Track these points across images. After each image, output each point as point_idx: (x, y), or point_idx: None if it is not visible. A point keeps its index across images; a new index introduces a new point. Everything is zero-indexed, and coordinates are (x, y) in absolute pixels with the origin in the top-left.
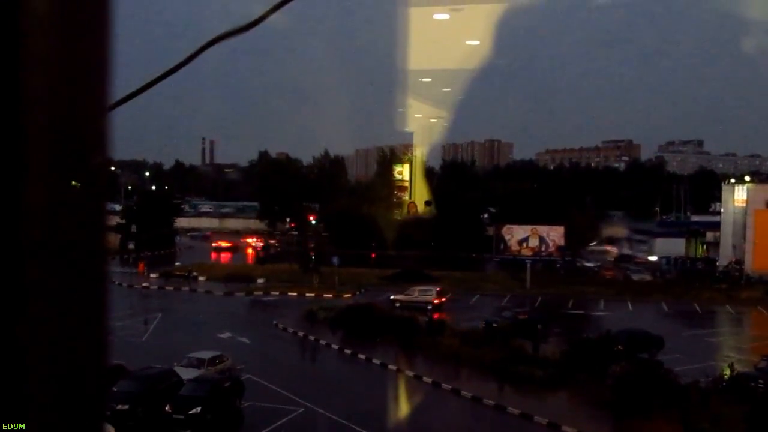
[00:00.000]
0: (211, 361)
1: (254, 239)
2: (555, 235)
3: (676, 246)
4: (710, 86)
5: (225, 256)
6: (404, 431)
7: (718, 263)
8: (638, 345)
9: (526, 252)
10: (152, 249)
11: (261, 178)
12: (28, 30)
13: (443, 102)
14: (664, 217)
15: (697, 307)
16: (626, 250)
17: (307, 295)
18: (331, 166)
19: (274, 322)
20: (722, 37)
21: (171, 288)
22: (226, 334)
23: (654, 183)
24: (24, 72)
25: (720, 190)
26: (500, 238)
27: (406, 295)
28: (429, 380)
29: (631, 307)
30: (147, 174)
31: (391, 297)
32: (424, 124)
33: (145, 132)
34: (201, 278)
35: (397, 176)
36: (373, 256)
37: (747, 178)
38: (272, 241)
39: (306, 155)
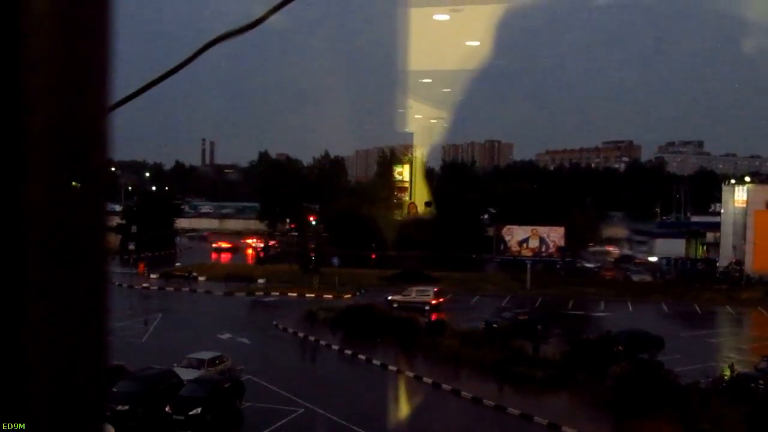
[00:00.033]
0: (211, 362)
1: (254, 240)
2: (555, 235)
3: (676, 247)
4: (710, 87)
5: (225, 257)
6: None
7: (718, 264)
8: (638, 346)
9: (526, 253)
10: (152, 249)
11: (261, 179)
12: (28, 30)
13: (443, 102)
14: (664, 217)
15: (697, 308)
16: (626, 251)
17: (307, 295)
18: (331, 167)
19: (274, 322)
20: (722, 38)
21: (171, 288)
22: (226, 335)
23: (654, 184)
24: (24, 72)
25: (720, 190)
26: (500, 239)
27: (403, 295)
28: (429, 381)
29: (631, 308)
30: (147, 174)
31: (389, 297)
32: (424, 124)
33: (145, 132)
34: (201, 279)
35: (398, 177)
36: (374, 256)
37: (747, 179)
38: (272, 242)
39: (306, 156)
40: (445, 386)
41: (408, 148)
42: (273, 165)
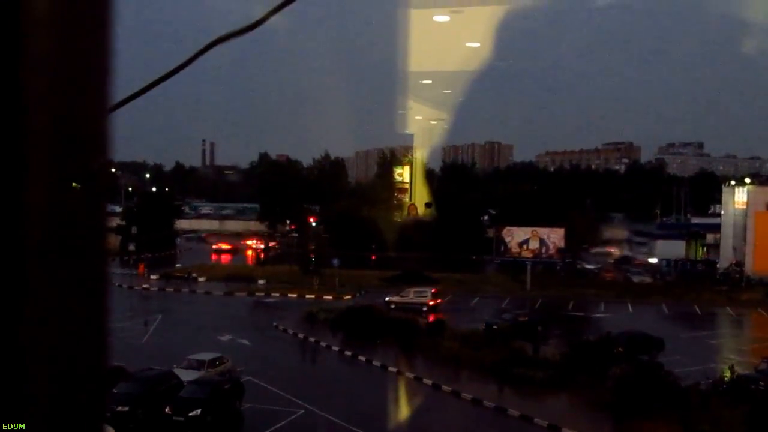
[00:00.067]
0: (211, 363)
1: (254, 241)
2: (555, 237)
3: (676, 248)
4: (710, 88)
5: (225, 258)
6: None
7: (718, 265)
8: (638, 347)
9: (526, 254)
10: (152, 250)
11: (261, 180)
12: (28, 32)
13: (443, 104)
14: (664, 219)
15: (698, 309)
16: (627, 252)
17: (307, 296)
18: (331, 168)
19: (275, 323)
20: (722, 39)
21: (171, 289)
22: (226, 336)
23: (654, 185)
24: (25, 73)
25: (720, 192)
26: (500, 240)
27: (401, 296)
28: (429, 382)
29: (631, 309)
30: (147, 175)
31: (387, 298)
32: (424, 125)
33: (145, 133)
34: (201, 280)
35: (398, 178)
36: (374, 257)
37: (747, 180)
38: (272, 243)
39: (306, 157)
40: (445, 387)
41: (408, 149)
42: (273, 166)
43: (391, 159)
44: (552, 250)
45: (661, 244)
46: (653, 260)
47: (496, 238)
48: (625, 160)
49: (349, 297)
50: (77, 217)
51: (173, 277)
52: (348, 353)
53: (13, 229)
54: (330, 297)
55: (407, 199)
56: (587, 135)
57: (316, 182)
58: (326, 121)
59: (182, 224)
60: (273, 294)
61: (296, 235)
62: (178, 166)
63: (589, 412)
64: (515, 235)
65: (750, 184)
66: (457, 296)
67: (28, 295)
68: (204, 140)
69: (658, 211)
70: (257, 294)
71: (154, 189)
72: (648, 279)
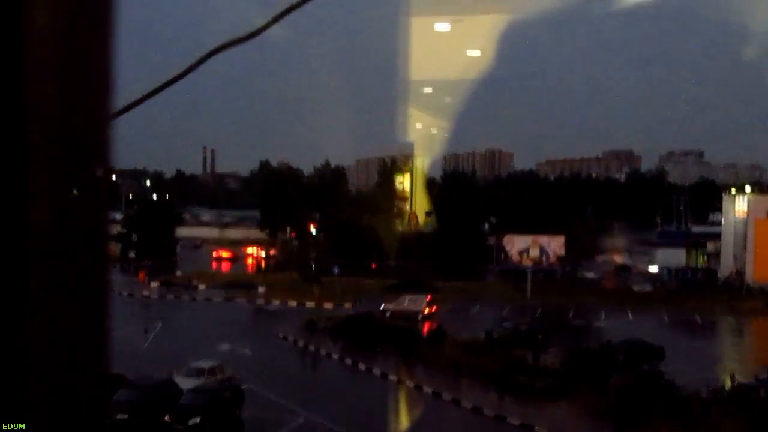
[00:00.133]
0: (211, 371)
1: (255, 248)
2: (555, 245)
3: (676, 256)
4: (711, 97)
5: (225, 266)
6: None
7: (718, 274)
8: (639, 355)
9: (526, 262)
10: (153, 258)
11: (262, 188)
12: (30, 39)
13: (444, 112)
14: (665, 227)
15: (698, 318)
16: (627, 261)
17: (308, 304)
18: (332, 176)
19: (274, 331)
20: (723, 48)
21: (171, 297)
22: (225, 343)
23: (654, 193)
24: (26, 80)
25: (720, 200)
26: (501, 248)
27: (396, 304)
28: (429, 390)
29: (631, 318)
30: (148, 183)
31: (382, 306)
32: (425, 134)
33: (146, 141)
34: (201, 287)
35: (398, 186)
36: (374, 266)
37: (748, 189)
38: (273, 251)
39: (307, 165)
40: (445, 396)
41: (409, 157)
42: (274, 174)
43: (391, 167)
44: (552, 258)
45: (661, 253)
46: (653, 268)
47: (496, 246)
48: (626, 169)
49: (349, 305)
50: (78, 223)
51: (173, 285)
52: (348, 361)
53: (15, 235)
54: (330, 305)
55: (408, 208)
56: (588, 143)
57: (316, 190)
58: (327, 129)
59: (183, 232)
60: (273, 302)
61: (296, 242)
62: (179, 174)
63: (590, 420)
64: (516, 244)
65: (750, 192)
66: (457, 304)
67: (30, 299)
68: (205, 147)
69: (659, 220)
70: (257, 302)
71: (154, 196)
72: (648, 287)
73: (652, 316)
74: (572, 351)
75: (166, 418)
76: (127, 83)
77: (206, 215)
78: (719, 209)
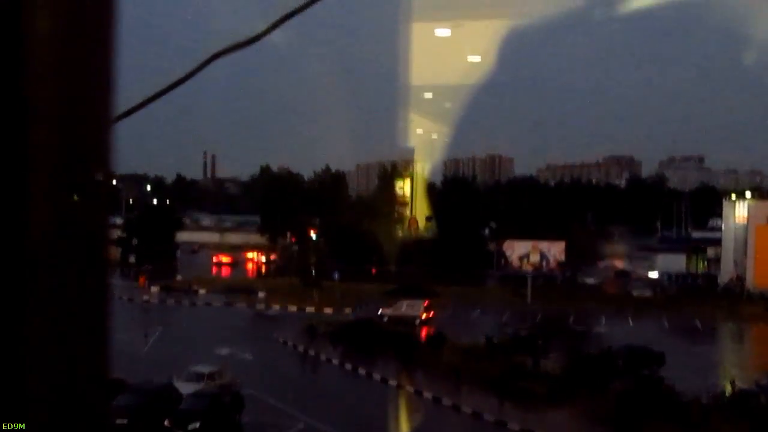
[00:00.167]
0: (210, 376)
1: (255, 253)
2: (556, 250)
3: (677, 262)
4: (711, 103)
5: (225, 270)
6: None
7: (719, 279)
8: (639, 361)
9: (527, 267)
10: (153, 262)
11: (262, 192)
12: (31, 44)
13: (444, 117)
14: (665, 233)
15: (698, 323)
16: (627, 266)
17: (308, 309)
18: (332, 181)
19: (274, 336)
20: (723, 54)
21: (171, 301)
22: (226, 348)
23: (655, 199)
24: (28, 85)
25: (720, 206)
26: (501, 254)
27: (393, 309)
28: (429, 395)
29: (631, 323)
30: (148, 187)
31: (380, 311)
32: (425, 139)
33: (146, 145)
34: (201, 292)
35: (398, 191)
36: (374, 271)
37: (748, 194)
38: (273, 256)
39: (307, 170)
40: (445, 401)
41: (409, 162)
42: (274, 178)
43: (392, 172)
44: (553, 264)
45: (661, 258)
46: (653, 273)
47: (496, 251)
48: (626, 174)
49: (349, 310)
50: (79, 227)
51: (174, 289)
52: (348, 366)
53: (17, 239)
54: (330, 310)
55: (408, 213)
56: (588, 149)
57: (316, 195)
58: (327, 134)
59: (183, 236)
60: (273, 306)
61: (297, 247)
62: (180, 178)
63: (590, 426)
64: (516, 249)
65: (750, 198)
66: (457, 310)
67: (31, 303)
68: (205, 152)
69: (659, 225)
70: (257, 306)
71: (155, 201)
72: (648, 293)
73: (652, 322)
74: (572, 356)
75: (166, 422)
76: (128, 88)
77: (206, 220)
78: (719, 215)
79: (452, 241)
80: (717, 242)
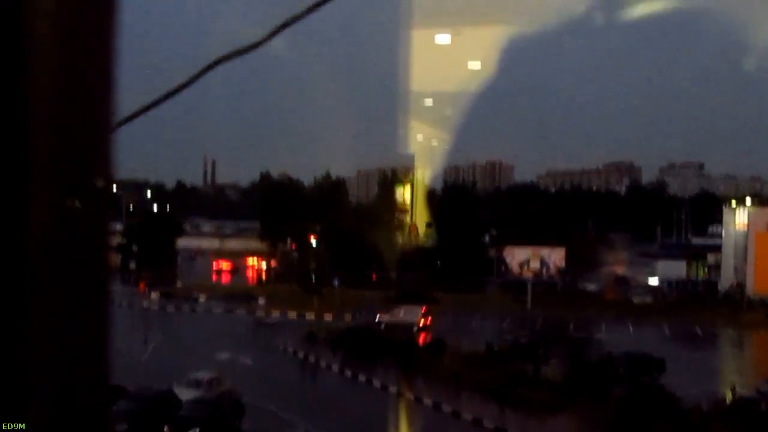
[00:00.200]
0: (210, 382)
1: (255, 259)
2: (556, 257)
3: (677, 268)
4: (711, 109)
5: (225, 277)
6: None
7: (719, 286)
8: (639, 368)
9: (527, 274)
10: (153, 268)
11: (262, 199)
12: (31, 51)
13: (445, 124)
14: (665, 239)
15: (699, 330)
16: (627, 273)
17: (308, 316)
18: (332, 188)
19: (274, 342)
20: (723, 60)
21: (172, 308)
22: (225, 355)
23: (655, 205)
24: (29, 90)
25: (720, 212)
26: (502, 260)
27: (392, 315)
28: (429, 402)
29: (632, 330)
30: (149, 194)
31: (377, 318)
32: (425, 146)
33: (147, 152)
34: (201, 298)
35: (399, 198)
36: (374, 277)
37: (748, 201)
38: (273, 262)
39: (307, 176)
40: (445, 408)
41: (409, 169)
42: (274, 185)
43: (392, 179)
44: (553, 270)
45: (661, 265)
46: (653, 280)
47: (497, 257)
48: (626, 181)
49: (349, 317)
50: (80, 234)
51: (174, 296)
52: (348, 373)
53: (17, 245)
54: (330, 316)
55: (408, 219)
56: (588, 155)
57: (317, 201)
58: (327, 141)
59: (183, 242)
60: (273, 313)
61: (297, 254)
62: (180, 185)
63: None
64: (516, 255)
65: (751, 204)
66: (457, 316)
67: (31, 308)
68: (205, 158)
69: (659, 232)
70: (257, 313)
71: (155, 207)
72: (649, 299)
73: (652, 328)
74: (573, 363)
75: (166, 429)
76: (128, 94)
77: (206, 226)
78: (719, 221)
79: (452, 248)
80: (717, 249)
